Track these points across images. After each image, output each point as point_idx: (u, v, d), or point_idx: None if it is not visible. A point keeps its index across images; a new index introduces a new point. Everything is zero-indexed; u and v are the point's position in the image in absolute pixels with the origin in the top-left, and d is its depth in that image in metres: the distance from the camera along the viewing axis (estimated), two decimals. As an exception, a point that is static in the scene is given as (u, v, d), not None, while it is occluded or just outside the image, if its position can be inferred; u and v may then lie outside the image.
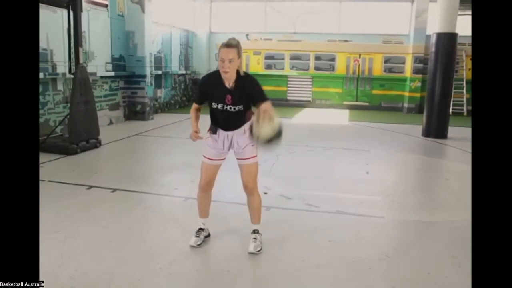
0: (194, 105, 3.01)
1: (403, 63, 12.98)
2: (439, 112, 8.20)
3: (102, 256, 2.93)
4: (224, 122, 2.90)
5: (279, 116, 2.77)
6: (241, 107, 2.83)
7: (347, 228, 3.58)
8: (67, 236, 3.22)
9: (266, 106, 2.74)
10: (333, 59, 13.32)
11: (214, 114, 2.91)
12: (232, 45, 2.73)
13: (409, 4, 12.68)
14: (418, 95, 12.62)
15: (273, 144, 2.76)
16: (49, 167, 5.25)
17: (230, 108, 2.82)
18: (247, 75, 2.86)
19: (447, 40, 7.92)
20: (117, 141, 7.14)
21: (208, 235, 3.21)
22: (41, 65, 6.68)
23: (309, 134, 8.82)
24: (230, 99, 2.81)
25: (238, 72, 2.80)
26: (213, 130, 2.95)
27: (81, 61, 6.19)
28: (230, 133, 2.92)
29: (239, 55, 2.75)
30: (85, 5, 7.22)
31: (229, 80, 2.79)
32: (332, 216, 3.85)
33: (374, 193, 4.58)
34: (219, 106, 2.84)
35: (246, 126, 2.92)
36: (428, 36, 10.09)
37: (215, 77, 2.84)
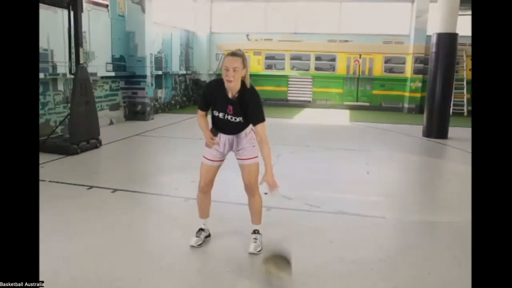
0: (200, 112, 2.96)
1: (404, 63, 12.98)
2: (440, 112, 8.19)
3: (102, 256, 2.93)
4: (225, 128, 2.90)
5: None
6: (241, 119, 2.82)
7: (348, 228, 3.57)
8: (67, 236, 3.22)
9: (268, 178, 2.76)
10: (333, 59, 13.31)
11: (215, 119, 2.91)
12: (237, 54, 2.71)
13: (409, 4, 12.67)
14: (418, 95, 12.62)
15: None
16: (50, 167, 5.25)
17: (231, 118, 2.82)
18: (251, 88, 2.81)
19: (448, 40, 7.91)
20: (117, 141, 7.14)
21: (209, 235, 3.20)
22: (41, 65, 6.68)
23: (310, 134, 8.82)
24: (231, 109, 2.80)
25: (243, 84, 2.77)
26: (214, 132, 2.95)
27: (81, 61, 6.20)
28: (230, 136, 2.93)
29: (244, 65, 2.72)
30: (85, 5, 7.22)
31: (232, 90, 2.76)
32: (333, 216, 3.85)
33: (375, 194, 4.58)
34: (220, 114, 2.84)
35: (248, 129, 2.92)
36: (429, 37, 10.09)
37: (218, 85, 2.81)
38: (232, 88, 2.74)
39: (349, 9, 13.10)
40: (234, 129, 2.90)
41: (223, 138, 2.94)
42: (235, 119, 2.82)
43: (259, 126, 2.78)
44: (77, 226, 3.42)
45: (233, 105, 2.79)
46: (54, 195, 4.16)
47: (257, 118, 2.78)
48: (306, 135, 8.66)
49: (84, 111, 6.20)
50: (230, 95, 2.78)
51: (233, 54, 2.72)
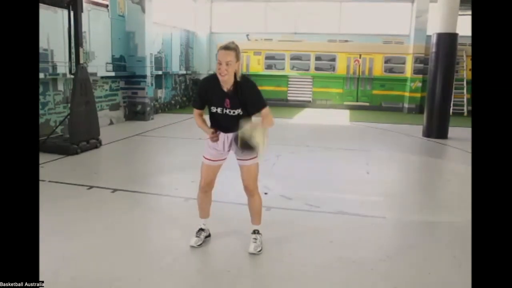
0: (196, 111, 2.97)
1: (404, 63, 12.98)
2: (440, 112, 8.19)
3: (102, 256, 2.93)
4: (224, 125, 2.89)
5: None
6: (239, 111, 2.81)
7: (348, 228, 3.57)
8: (67, 236, 3.22)
9: (266, 121, 2.78)
10: (333, 59, 13.31)
11: (213, 117, 2.90)
12: (230, 47, 2.69)
13: (409, 4, 12.67)
14: (418, 95, 12.62)
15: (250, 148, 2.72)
16: (50, 167, 5.25)
17: (230, 112, 2.81)
18: (245, 79, 2.81)
19: (448, 40, 7.91)
20: (117, 141, 7.14)
21: (209, 235, 3.21)
22: (41, 65, 6.68)
23: (310, 134, 8.83)
24: (228, 103, 2.79)
25: (236, 76, 2.76)
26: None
27: (81, 61, 6.20)
28: (230, 134, 2.92)
29: (237, 58, 2.70)
30: (85, 5, 7.22)
31: (226, 84, 2.75)
32: (333, 216, 3.85)
33: (375, 194, 4.57)
34: (219, 110, 2.83)
35: None
36: (429, 36, 10.09)
37: (213, 80, 2.80)
38: (226, 81, 2.73)
39: (349, 9, 13.10)
40: (233, 124, 2.87)
41: (222, 137, 2.93)
42: (234, 112, 2.80)
43: (264, 111, 2.79)
44: (77, 226, 3.42)
45: (229, 98, 2.78)
46: (54, 195, 4.16)
47: (259, 104, 2.79)
48: (306, 135, 8.66)
49: (84, 111, 6.20)
50: (225, 89, 2.77)
51: (226, 47, 2.69)
